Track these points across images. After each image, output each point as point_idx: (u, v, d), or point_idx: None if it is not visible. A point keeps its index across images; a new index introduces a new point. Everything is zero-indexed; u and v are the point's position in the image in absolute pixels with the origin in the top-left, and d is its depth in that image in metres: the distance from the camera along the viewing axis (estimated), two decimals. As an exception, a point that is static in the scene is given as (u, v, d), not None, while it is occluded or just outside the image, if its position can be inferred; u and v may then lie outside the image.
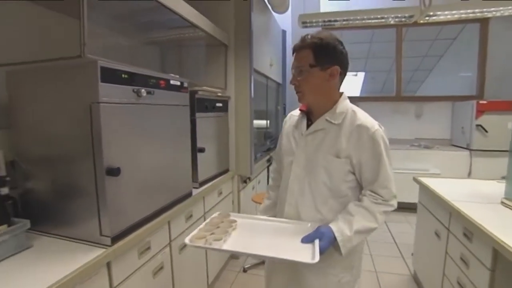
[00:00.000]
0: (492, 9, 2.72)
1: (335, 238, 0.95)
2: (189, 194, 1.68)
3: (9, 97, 1.18)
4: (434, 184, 1.97)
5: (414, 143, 4.08)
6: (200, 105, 1.88)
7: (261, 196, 2.46)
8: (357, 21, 3.26)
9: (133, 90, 1.16)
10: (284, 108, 4.23)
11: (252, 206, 2.71)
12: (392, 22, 3.24)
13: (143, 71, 1.24)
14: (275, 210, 1.27)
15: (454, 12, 2.82)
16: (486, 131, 3.45)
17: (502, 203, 1.55)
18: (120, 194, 1.12)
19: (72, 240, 1.10)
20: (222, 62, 2.39)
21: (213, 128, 2.12)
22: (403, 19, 3.13)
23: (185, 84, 1.57)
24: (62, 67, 1.08)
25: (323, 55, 0.98)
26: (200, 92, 1.90)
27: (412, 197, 2.48)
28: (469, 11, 2.79)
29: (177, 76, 1.51)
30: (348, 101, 1.08)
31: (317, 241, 0.91)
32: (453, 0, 2.81)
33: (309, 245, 0.92)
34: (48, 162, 1.14)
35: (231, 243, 0.96)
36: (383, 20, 3.20)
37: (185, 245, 1.30)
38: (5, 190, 1.06)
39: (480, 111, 3.46)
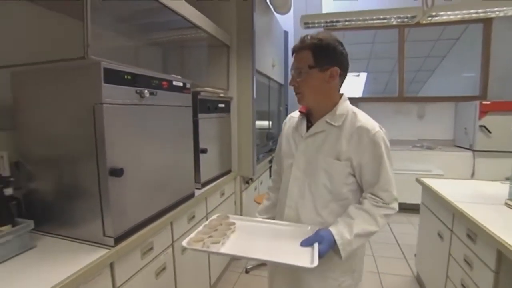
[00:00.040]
0: (496, 9, 2.71)
1: (335, 242, 0.94)
2: (192, 195, 1.68)
3: (13, 98, 1.19)
4: (437, 185, 1.96)
5: (416, 144, 4.06)
6: (202, 106, 1.88)
7: (263, 197, 2.45)
8: (359, 22, 3.26)
9: (136, 91, 1.17)
10: (286, 109, 4.23)
11: (255, 207, 2.71)
12: (394, 23, 3.24)
13: (146, 72, 1.24)
14: (274, 211, 1.26)
15: (457, 12, 2.81)
16: (490, 132, 3.43)
17: (506, 204, 1.54)
18: (123, 194, 1.12)
19: (75, 241, 1.11)
20: (224, 63, 2.39)
21: (215, 129, 2.12)
22: (405, 20, 3.13)
23: (188, 85, 1.58)
24: (66, 68, 1.08)
25: (322, 56, 0.97)
26: (202, 93, 1.91)
27: (415, 198, 2.47)
28: (472, 11, 2.78)
29: (180, 77, 1.52)
30: (348, 102, 1.07)
31: (316, 245, 0.90)
32: (456, 0, 2.80)
33: (308, 249, 0.90)
34: (51, 163, 1.15)
35: (229, 246, 0.94)
36: (385, 21, 3.20)
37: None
38: (9, 191, 1.07)
39: (484, 111, 3.45)
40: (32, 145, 1.18)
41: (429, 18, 2.98)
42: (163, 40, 2.35)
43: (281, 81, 3.90)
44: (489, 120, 3.43)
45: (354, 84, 6.54)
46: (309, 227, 1.01)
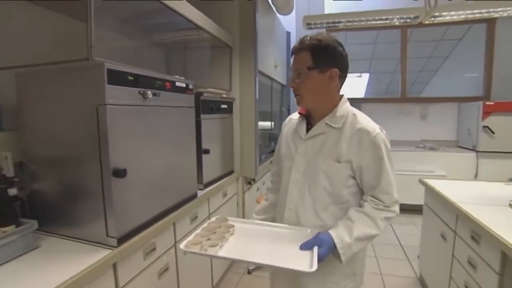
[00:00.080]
0: (499, 9, 2.70)
1: (334, 245, 0.92)
2: (194, 196, 1.68)
3: (17, 99, 1.20)
4: (440, 186, 1.95)
5: (419, 145, 4.05)
6: (205, 106, 1.89)
7: (261, 197, 2.45)
8: (361, 22, 3.26)
9: (139, 92, 1.17)
10: (289, 110, 4.23)
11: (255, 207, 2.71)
12: (396, 23, 3.23)
13: (149, 73, 1.24)
14: (271, 212, 1.25)
15: (460, 12, 2.80)
16: (493, 133, 3.41)
17: (510, 205, 1.53)
18: (126, 195, 1.12)
19: (78, 241, 1.11)
20: (227, 64, 2.39)
21: (218, 130, 2.13)
22: (408, 20, 3.12)
23: (190, 86, 1.58)
24: (69, 70, 1.09)
25: (321, 57, 0.96)
26: (205, 94, 1.91)
27: (418, 198, 2.47)
28: (475, 11, 2.77)
29: (183, 78, 1.52)
30: (348, 104, 1.06)
31: (315, 249, 0.88)
32: (459, 0, 2.79)
33: (308, 252, 0.89)
34: (55, 164, 1.16)
35: (227, 249, 0.93)
36: (387, 21, 3.19)
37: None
38: (13, 191, 1.07)
39: (487, 112, 3.43)
40: (36, 145, 1.19)
41: (432, 19, 2.97)
42: (165, 41, 2.36)
43: (283, 81, 3.90)
44: (493, 121, 3.42)
45: (356, 85, 6.53)
46: (308, 230, 0.99)
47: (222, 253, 0.91)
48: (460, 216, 1.52)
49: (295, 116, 1.17)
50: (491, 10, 2.72)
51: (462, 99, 4.05)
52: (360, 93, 6.22)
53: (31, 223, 1.04)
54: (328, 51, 0.96)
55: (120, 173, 1.05)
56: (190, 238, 0.96)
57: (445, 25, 3.76)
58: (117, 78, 1.05)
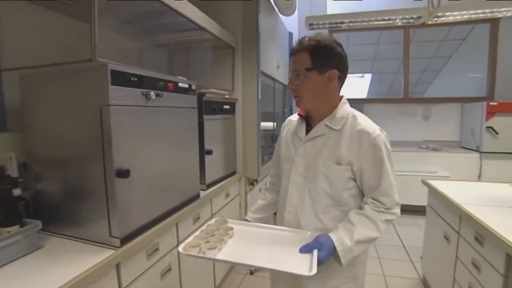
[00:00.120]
0: (503, 9, 2.69)
1: (335, 248, 0.91)
2: (197, 196, 1.68)
3: (21, 100, 1.20)
4: (443, 187, 1.94)
5: (422, 145, 4.03)
6: (207, 107, 1.89)
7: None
8: (364, 23, 3.26)
9: (142, 93, 1.17)
10: (291, 110, 4.23)
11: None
12: (399, 24, 3.22)
13: (152, 74, 1.25)
14: (267, 211, 1.24)
15: (463, 12, 2.79)
16: (497, 133, 3.39)
17: (515, 206, 1.53)
18: (129, 196, 1.13)
19: (81, 241, 1.11)
20: (229, 64, 2.39)
21: (220, 130, 2.13)
22: (411, 20, 3.11)
23: (193, 87, 1.58)
24: (73, 71, 1.10)
25: (320, 58, 0.95)
26: (207, 95, 1.91)
27: (421, 199, 2.46)
28: (479, 11, 2.76)
29: (185, 79, 1.52)
30: (348, 105, 1.05)
31: (315, 252, 0.87)
32: (463, 0, 2.78)
33: (307, 255, 0.88)
34: (59, 164, 1.16)
35: (226, 252, 0.92)
36: (390, 22, 3.19)
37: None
38: (17, 192, 1.08)
39: (491, 112, 3.41)
40: (40, 146, 1.20)
41: (435, 19, 2.97)
42: (168, 42, 2.36)
43: (286, 82, 3.89)
44: (497, 121, 3.40)
45: (358, 85, 6.52)
46: (308, 233, 0.99)
47: (220, 256, 0.90)
48: (464, 217, 1.52)
49: (294, 117, 1.16)
50: (494, 10, 2.71)
51: (466, 100, 4.03)
52: (362, 94, 6.21)
53: (35, 223, 1.05)
54: (327, 52, 0.96)
55: (123, 174, 1.06)
56: (188, 240, 0.95)
57: (448, 25, 3.74)
58: (120, 79, 1.06)
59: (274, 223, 1.16)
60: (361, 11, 3.21)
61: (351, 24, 3.30)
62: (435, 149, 3.84)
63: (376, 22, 3.21)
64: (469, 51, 5.29)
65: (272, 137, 3.45)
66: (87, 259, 0.97)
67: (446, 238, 1.75)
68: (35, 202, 1.20)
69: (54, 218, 1.16)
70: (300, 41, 0.99)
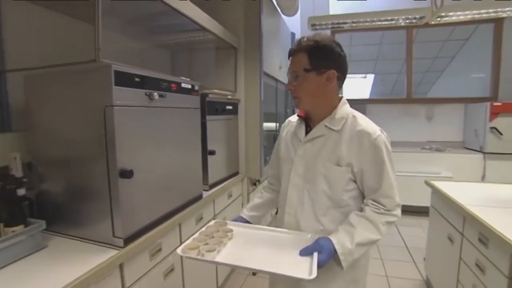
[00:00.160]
0: (507, 9, 2.67)
1: (335, 251, 0.90)
2: (200, 197, 1.69)
3: (26, 100, 1.21)
4: (447, 187, 1.93)
5: (425, 146, 4.01)
6: (210, 108, 1.89)
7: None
8: (366, 23, 3.25)
9: (146, 93, 1.18)
10: (293, 111, 4.22)
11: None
12: (402, 24, 3.21)
13: (155, 75, 1.25)
14: (263, 210, 1.23)
15: (467, 12, 2.78)
16: (501, 134, 3.37)
17: (519, 207, 1.52)
18: (133, 196, 1.13)
19: (85, 241, 1.12)
20: (232, 65, 2.40)
21: (223, 131, 2.13)
22: (413, 21, 3.10)
23: (196, 87, 1.59)
24: (77, 71, 1.10)
25: (318, 58, 0.94)
26: (210, 95, 1.91)
27: (424, 200, 2.44)
28: (482, 11, 2.74)
29: (188, 79, 1.53)
30: (348, 105, 1.04)
31: (315, 255, 0.86)
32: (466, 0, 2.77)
33: (307, 258, 0.87)
34: (62, 164, 1.17)
35: (225, 254, 0.91)
36: (393, 22, 3.17)
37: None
38: (22, 191, 1.08)
39: (495, 113, 3.39)
40: (44, 146, 1.20)
41: (438, 19, 2.95)
42: (171, 42, 2.37)
43: (288, 83, 3.89)
44: (501, 122, 3.38)
45: (361, 86, 6.50)
46: (309, 235, 0.98)
47: (219, 258, 0.89)
48: (468, 218, 1.51)
49: (293, 118, 1.15)
50: (498, 10, 2.69)
51: (469, 100, 4.01)
52: (365, 94, 6.19)
53: (39, 223, 1.05)
54: (325, 52, 0.95)
55: (126, 174, 1.06)
56: (187, 242, 0.94)
57: (451, 25, 3.72)
58: (124, 79, 1.06)
59: (269, 224, 1.15)
60: (364, 11, 3.20)
61: (354, 24, 3.29)
62: (438, 150, 3.82)
63: (379, 22, 3.20)
64: (472, 51, 5.27)
65: (274, 138, 3.45)
66: (91, 259, 0.97)
67: (450, 239, 1.74)
68: (39, 202, 1.21)
69: (58, 218, 1.17)
70: (298, 42, 0.98)
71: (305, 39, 0.97)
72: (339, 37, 4.53)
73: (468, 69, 5.55)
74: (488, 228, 1.29)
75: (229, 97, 2.34)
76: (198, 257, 0.88)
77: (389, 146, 0.97)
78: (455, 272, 1.64)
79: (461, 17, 2.87)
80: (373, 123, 1.00)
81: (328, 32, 4.25)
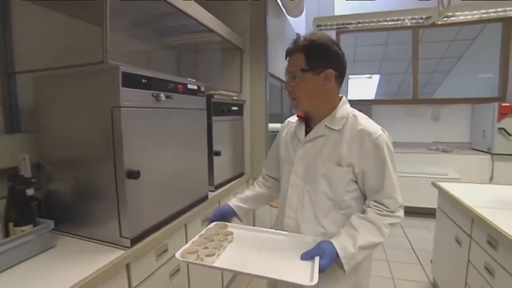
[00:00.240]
0: (515, 8, 2.63)
1: (337, 255, 0.87)
2: (205, 197, 1.69)
3: (35, 102, 1.23)
4: (454, 189, 1.91)
5: (431, 147, 3.97)
6: (216, 108, 1.90)
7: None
8: (372, 23, 3.23)
9: (153, 95, 1.19)
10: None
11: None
12: (408, 24, 3.19)
13: (162, 76, 1.26)
14: (251, 204, 1.20)
15: (474, 12, 2.74)
16: (510, 135, 3.32)
17: (529, 210, 1.49)
18: (140, 196, 1.14)
19: (92, 241, 1.13)
20: (238, 66, 2.40)
21: (228, 132, 2.14)
22: (420, 21, 3.07)
23: (202, 88, 1.59)
24: (85, 73, 1.11)
25: (315, 58, 0.92)
26: (216, 96, 1.92)
27: (431, 202, 2.42)
28: (490, 10, 2.71)
29: (194, 80, 1.53)
30: (348, 105, 1.02)
31: (317, 259, 0.84)
32: None
33: (309, 263, 0.85)
34: (70, 165, 1.18)
35: (225, 258, 0.88)
36: (399, 22, 3.15)
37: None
38: (30, 192, 1.10)
39: (503, 113, 3.34)
40: (52, 147, 1.22)
41: (445, 19, 2.92)
42: (177, 44, 2.39)
43: (293, 83, 3.89)
44: (509, 123, 3.33)
45: (366, 86, 6.46)
46: (310, 239, 0.96)
47: (218, 263, 0.86)
48: (476, 220, 1.49)
49: (293, 119, 1.14)
50: (507, 9, 2.66)
51: (476, 100, 3.97)
52: (370, 95, 6.16)
53: (48, 223, 1.07)
54: (322, 51, 0.93)
55: (133, 175, 1.07)
56: (186, 246, 0.92)
57: (458, 25, 3.69)
58: (131, 81, 1.07)
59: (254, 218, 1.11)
60: (369, 12, 3.18)
61: (359, 24, 3.28)
62: (445, 151, 3.78)
63: (385, 23, 3.18)
64: (480, 51, 5.21)
65: (279, 139, 3.44)
66: (98, 259, 0.98)
67: (458, 241, 1.72)
68: (47, 202, 1.22)
69: (66, 218, 1.18)
70: (295, 41, 0.96)
71: (301, 38, 0.95)
72: (344, 38, 4.51)
73: (475, 69, 5.49)
74: (498, 231, 1.27)
75: (235, 98, 2.34)
76: (197, 262, 0.86)
77: (391, 146, 0.96)
78: (463, 275, 1.62)
79: (469, 16, 2.84)
80: (374, 123, 0.98)
81: (333, 33, 4.24)
